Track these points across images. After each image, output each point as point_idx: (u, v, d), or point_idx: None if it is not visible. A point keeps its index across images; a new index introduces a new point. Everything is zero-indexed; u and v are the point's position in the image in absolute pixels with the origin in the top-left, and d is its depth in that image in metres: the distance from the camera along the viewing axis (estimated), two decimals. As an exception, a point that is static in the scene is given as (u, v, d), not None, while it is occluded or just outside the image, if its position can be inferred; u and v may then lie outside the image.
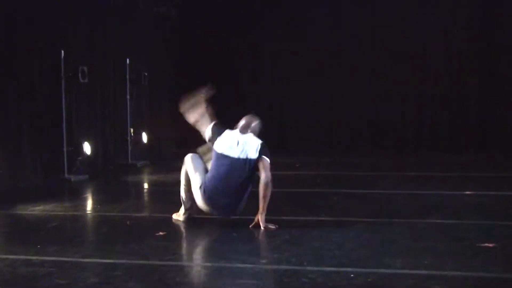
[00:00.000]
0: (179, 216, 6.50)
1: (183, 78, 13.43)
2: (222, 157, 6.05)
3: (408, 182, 8.81)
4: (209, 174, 6.13)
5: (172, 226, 6.28)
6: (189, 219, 6.39)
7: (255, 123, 6.23)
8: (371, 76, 12.91)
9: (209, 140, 6.26)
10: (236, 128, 6.19)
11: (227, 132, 6.17)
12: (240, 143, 6.05)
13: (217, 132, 6.18)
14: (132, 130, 11.48)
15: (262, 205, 5.95)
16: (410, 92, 12.86)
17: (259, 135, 6.21)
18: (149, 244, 5.51)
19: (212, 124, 6.25)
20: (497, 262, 4.75)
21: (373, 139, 13.00)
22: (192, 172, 6.23)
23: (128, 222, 6.49)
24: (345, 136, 13.11)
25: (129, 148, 11.35)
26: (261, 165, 5.99)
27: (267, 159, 6.02)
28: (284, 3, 13.30)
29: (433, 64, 12.88)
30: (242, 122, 6.22)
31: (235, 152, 6.02)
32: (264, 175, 5.95)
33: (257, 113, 6.47)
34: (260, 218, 5.96)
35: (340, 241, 5.45)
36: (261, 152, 6.02)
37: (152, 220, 6.77)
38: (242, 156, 6.01)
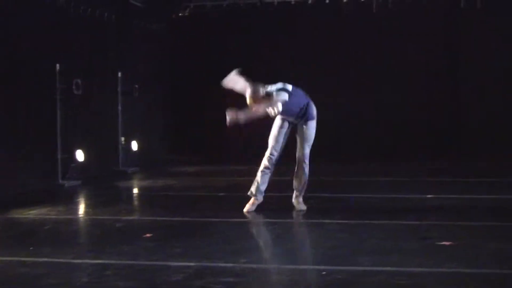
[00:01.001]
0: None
1: (174, 90, 13.54)
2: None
3: (382, 187, 8.88)
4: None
5: (159, 228, 6.30)
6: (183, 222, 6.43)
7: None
8: (346, 85, 12.91)
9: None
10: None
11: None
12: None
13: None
14: (123, 138, 11.49)
15: None
16: (383, 102, 12.88)
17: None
18: (138, 245, 5.52)
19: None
20: (455, 259, 4.83)
21: (352, 146, 12.94)
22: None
23: (117, 225, 6.50)
24: (328, 143, 13.04)
25: (120, 155, 11.36)
26: None
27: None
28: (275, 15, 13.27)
29: (406, 75, 12.91)
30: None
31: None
32: None
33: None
34: None
35: (316, 241, 5.49)
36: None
37: (141, 222, 6.79)
38: None
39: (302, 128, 6.90)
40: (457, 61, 12.95)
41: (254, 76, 13.00)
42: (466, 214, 6.74)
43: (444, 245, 5.26)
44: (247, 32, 13.31)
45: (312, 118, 6.90)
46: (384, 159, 11.95)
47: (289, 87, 6.76)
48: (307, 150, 6.93)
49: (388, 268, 4.61)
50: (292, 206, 7.02)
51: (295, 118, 6.87)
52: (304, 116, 6.85)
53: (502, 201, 7.57)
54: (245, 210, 6.88)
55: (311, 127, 6.92)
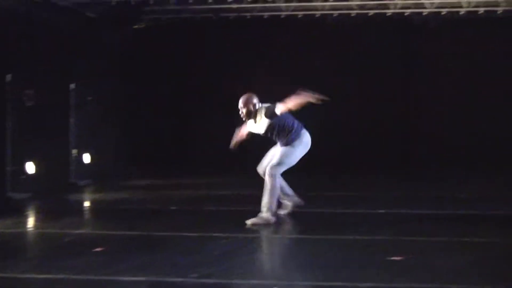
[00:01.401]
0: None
1: (128, 102, 13.41)
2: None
3: (333, 201, 8.93)
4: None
5: (110, 242, 6.21)
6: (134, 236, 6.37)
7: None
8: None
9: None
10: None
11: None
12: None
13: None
14: (75, 151, 11.32)
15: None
16: (333, 117, 12.99)
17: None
18: (88, 259, 5.44)
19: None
20: (405, 274, 4.89)
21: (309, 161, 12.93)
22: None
23: (66, 239, 6.38)
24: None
25: (72, 168, 11.18)
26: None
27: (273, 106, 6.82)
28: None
29: (362, 90, 13.08)
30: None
31: None
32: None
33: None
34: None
35: (268, 256, 5.50)
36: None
37: (91, 236, 6.68)
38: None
39: (279, 148, 7.06)
40: (411, 76, 13.21)
41: (208, 89, 13.03)
42: (417, 229, 6.83)
43: (394, 260, 5.32)
44: (203, 45, 13.32)
45: (288, 144, 6.99)
46: (334, 173, 12.07)
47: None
48: (270, 166, 6.97)
49: (339, 283, 4.63)
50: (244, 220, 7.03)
51: (275, 136, 7.03)
52: (284, 138, 6.99)
53: (453, 216, 7.71)
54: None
55: (285, 150, 7.00)
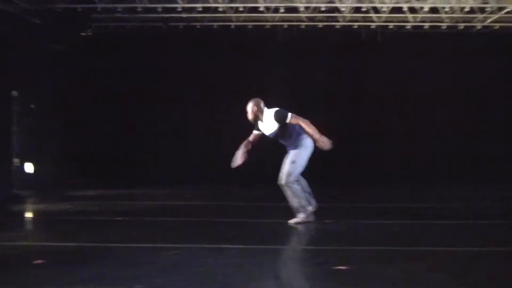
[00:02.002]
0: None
1: (74, 111, 13.17)
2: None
3: (280, 212, 8.92)
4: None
5: (52, 254, 6.04)
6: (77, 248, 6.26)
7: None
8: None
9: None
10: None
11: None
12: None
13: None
14: (17, 160, 11.04)
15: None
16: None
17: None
18: (29, 272, 5.26)
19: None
20: (351, 283, 4.90)
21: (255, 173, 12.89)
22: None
23: (5, 252, 6.17)
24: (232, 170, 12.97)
25: (14, 178, 10.89)
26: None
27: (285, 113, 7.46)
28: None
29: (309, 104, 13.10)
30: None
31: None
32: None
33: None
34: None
35: (217, 267, 5.44)
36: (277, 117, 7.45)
37: (32, 248, 6.48)
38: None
39: (289, 153, 7.62)
40: (360, 89, 13.37)
41: (155, 98, 12.84)
42: (362, 239, 6.88)
43: (340, 269, 5.34)
44: (151, 54, 13.20)
45: (297, 147, 7.57)
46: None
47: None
48: (284, 177, 7.51)
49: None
50: (196, 231, 6.93)
51: (282, 139, 7.64)
52: (294, 142, 7.56)
53: (395, 226, 7.79)
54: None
55: (295, 153, 7.56)
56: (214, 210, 9.48)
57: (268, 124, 7.59)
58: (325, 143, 7.51)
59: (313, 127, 7.50)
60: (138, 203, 9.97)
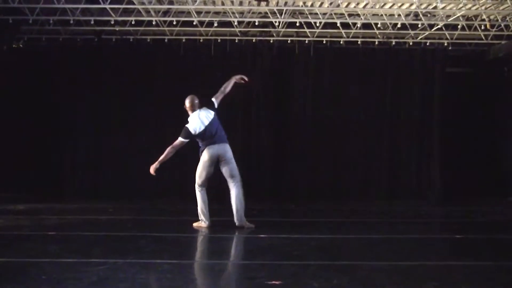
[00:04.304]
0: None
1: (1, 123, 12.90)
2: None
3: (214, 227, 8.98)
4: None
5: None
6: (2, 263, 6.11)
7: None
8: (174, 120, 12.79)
9: None
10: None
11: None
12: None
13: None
14: None
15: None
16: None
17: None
18: None
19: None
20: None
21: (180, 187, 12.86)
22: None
23: None
24: (157, 184, 12.90)
25: None
26: None
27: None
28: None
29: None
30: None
31: None
32: None
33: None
34: None
35: (144, 282, 5.45)
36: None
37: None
38: None
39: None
40: (287, 104, 13.44)
41: (82, 111, 12.54)
42: (295, 253, 7.01)
43: (273, 284, 5.43)
44: (84, 67, 13.05)
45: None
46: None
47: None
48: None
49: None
50: (124, 246, 6.90)
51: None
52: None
53: (328, 241, 7.97)
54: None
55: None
56: (140, 224, 9.39)
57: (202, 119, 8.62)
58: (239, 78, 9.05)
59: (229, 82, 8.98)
60: (62, 217, 9.81)
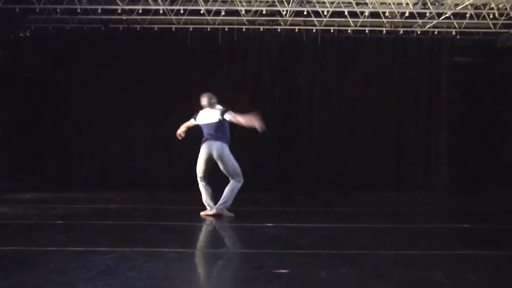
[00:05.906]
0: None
1: (12, 112, 12.96)
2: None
3: (221, 216, 8.98)
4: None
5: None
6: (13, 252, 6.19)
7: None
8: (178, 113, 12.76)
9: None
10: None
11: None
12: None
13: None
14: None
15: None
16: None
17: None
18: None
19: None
20: (290, 286, 5.00)
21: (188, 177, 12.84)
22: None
23: None
24: (165, 173, 12.98)
25: None
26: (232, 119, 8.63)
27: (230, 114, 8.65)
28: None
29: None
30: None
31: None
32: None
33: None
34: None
35: (152, 271, 5.47)
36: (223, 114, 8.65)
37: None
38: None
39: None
40: (293, 94, 13.46)
41: (94, 99, 12.60)
42: (302, 243, 7.00)
43: (281, 273, 5.44)
44: (91, 55, 13.07)
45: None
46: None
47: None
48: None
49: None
50: (132, 235, 6.92)
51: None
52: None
53: (335, 230, 7.97)
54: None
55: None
56: (147, 213, 9.41)
57: (211, 116, 8.69)
58: (262, 127, 8.49)
59: (251, 119, 8.52)
60: (69, 206, 9.85)
